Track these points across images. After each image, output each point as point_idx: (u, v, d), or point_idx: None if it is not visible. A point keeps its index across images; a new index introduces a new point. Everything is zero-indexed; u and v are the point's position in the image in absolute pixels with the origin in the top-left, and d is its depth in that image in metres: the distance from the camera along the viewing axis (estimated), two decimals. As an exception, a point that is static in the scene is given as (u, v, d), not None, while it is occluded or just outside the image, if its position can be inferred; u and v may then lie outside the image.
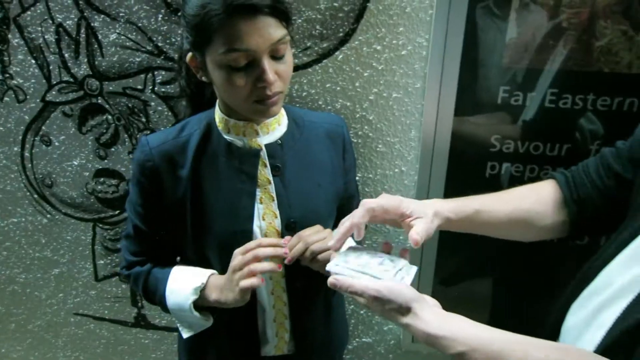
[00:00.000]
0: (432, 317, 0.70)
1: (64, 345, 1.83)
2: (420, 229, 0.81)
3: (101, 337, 1.78)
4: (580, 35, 1.10)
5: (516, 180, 1.26)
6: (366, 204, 0.84)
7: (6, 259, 1.72)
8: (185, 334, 1.08)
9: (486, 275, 1.45)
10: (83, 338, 1.79)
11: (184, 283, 1.03)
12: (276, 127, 1.03)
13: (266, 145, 1.02)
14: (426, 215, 0.84)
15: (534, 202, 0.89)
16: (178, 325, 1.09)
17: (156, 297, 1.07)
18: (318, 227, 1.01)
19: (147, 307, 1.67)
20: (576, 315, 0.77)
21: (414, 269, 0.82)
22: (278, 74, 0.90)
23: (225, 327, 1.09)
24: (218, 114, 1.02)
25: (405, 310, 0.70)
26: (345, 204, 1.16)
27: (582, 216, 0.86)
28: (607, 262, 0.74)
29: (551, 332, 0.82)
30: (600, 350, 0.66)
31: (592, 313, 0.72)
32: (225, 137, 1.01)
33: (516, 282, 1.41)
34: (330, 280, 0.78)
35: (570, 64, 1.13)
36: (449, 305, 1.43)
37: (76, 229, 1.61)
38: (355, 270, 0.78)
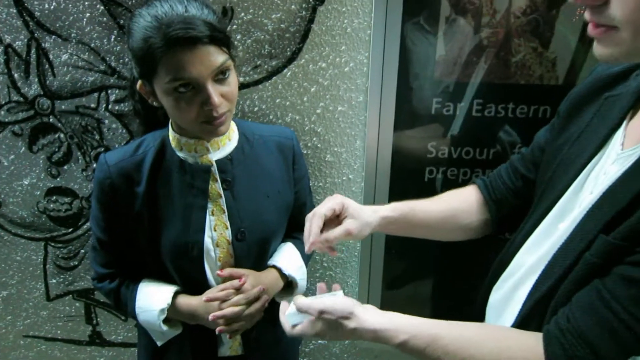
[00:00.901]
0: (373, 315, 0.79)
1: (13, 370, 1.79)
2: (353, 225, 0.93)
3: (53, 358, 1.74)
4: (498, 52, 1.25)
5: (451, 183, 1.39)
6: (318, 213, 0.94)
7: (-50, 284, 1.67)
8: (159, 342, 1.15)
9: (428, 277, 1.57)
10: (34, 361, 1.76)
11: (150, 303, 1.10)
12: (227, 142, 1.09)
13: (217, 161, 1.08)
14: (360, 217, 0.95)
15: (460, 202, 1.03)
16: (152, 335, 1.15)
17: (128, 314, 1.15)
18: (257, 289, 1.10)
19: (103, 324, 1.67)
20: (496, 295, 0.89)
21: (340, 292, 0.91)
22: (223, 95, 0.97)
23: (187, 333, 1.16)
24: (171, 133, 1.08)
25: (349, 315, 0.78)
26: (298, 213, 1.25)
27: (501, 214, 0.99)
28: (517, 249, 0.86)
29: (479, 311, 0.94)
30: (518, 321, 0.76)
31: (510, 292, 0.84)
32: (178, 154, 1.08)
33: (454, 280, 1.54)
34: (281, 318, 0.87)
35: (492, 77, 1.28)
36: (396, 307, 1.54)
37: (26, 249, 1.60)
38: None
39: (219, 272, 1.09)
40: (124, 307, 1.15)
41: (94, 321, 1.67)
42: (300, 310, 0.83)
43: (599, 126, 0.78)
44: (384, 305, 1.53)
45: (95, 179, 1.08)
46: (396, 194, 1.41)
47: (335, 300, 0.80)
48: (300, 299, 0.85)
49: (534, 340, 0.69)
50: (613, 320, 0.61)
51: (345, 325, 0.78)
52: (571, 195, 0.77)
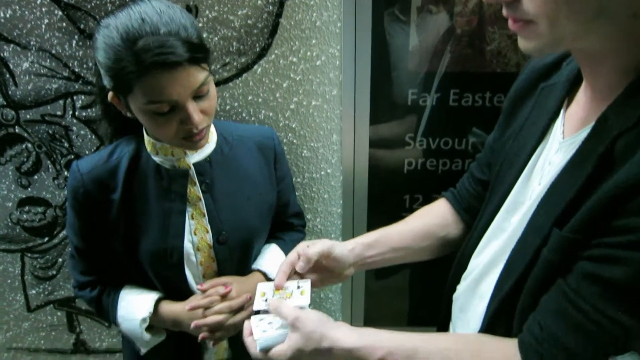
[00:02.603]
0: (346, 334, 0.76)
1: (-1, 383, 1.77)
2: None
3: (39, 368, 1.73)
4: (473, 40, 1.22)
5: (431, 174, 1.37)
6: (306, 253, 0.92)
7: None
8: (144, 350, 1.13)
9: (410, 267, 1.56)
10: (19, 372, 1.74)
11: (131, 312, 1.08)
12: (205, 145, 1.06)
13: (195, 164, 1.05)
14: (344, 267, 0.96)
15: (432, 216, 1.03)
16: (135, 343, 1.13)
17: (110, 322, 1.13)
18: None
19: (86, 331, 1.65)
20: (459, 291, 0.89)
21: (306, 294, 0.89)
22: (203, 111, 0.93)
23: (171, 339, 1.14)
24: (146, 137, 1.05)
25: (320, 336, 0.76)
26: (281, 212, 1.22)
27: (471, 221, 0.97)
28: (475, 246, 0.86)
29: (445, 309, 0.95)
30: (486, 320, 0.76)
31: (471, 288, 0.84)
32: (154, 159, 1.04)
33: (439, 270, 1.53)
34: (252, 352, 0.83)
35: (467, 66, 1.25)
36: (380, 298, 1.53)
37: (3, 261, 1.56)
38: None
39: (198, 286, 1.07)
40: (106, 315, 1.13)
41: (77, 329, 1.65)
42: (274, 311, 0.80)
43: (538, 117, 0.78)
44: (368, 297, 1.54)
45: (68, 188, 1.05)
46: (376, 186, 1.39)
47: (308, 313, 0.78)
48: (278, 302, 0.82)
49: (512, 350, 0.68)
50: (585, 322, 0.60)
51: (319, 343, 0.75)
52: (520, 188, 0.77)
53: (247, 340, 0.83)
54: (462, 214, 1.01)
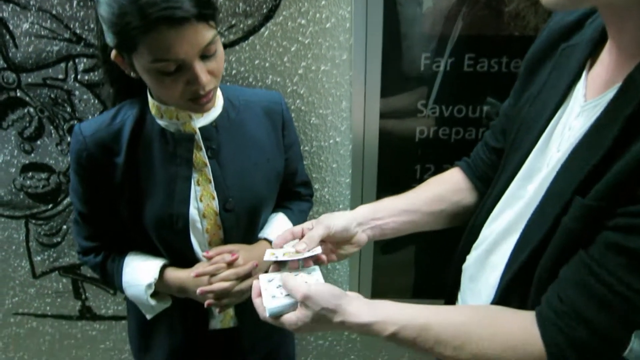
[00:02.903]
0: (359, 307, 0.73)
1: (5, 347, 1.77)
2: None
3: (45, 333, 1.73)
4: (489, 2, 1.16)
5: (444, 143, 1.33)
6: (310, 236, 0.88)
7: None
8: (149, 316, 1.12)
9: (421, 240, 1.52)
10: (26, 337, 1.74)
11: (137, 279, 1.06)
12: (211, 108, 1.02)
13: (201, 129, 1.02)
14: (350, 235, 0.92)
15: (445, 183, 0.99)
16: (141, 308, 1.12)
17: (115, 287, 1.12)
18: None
19: (92, 298, 1.65)
20: (470, 261, 0.86)
21: (316, 270, 0.86)
22: (210, 72, 0.90)
23: (177, 306, 1.13)
24: (150, 100, 1.01)
25: (335, 309, 0.73)
26: (288, 181, 1.19)
27: (486, 190, 0.93)
28: (487, 215, 0.83)
29: (453, 279, 0.92)
30: (500, 291, 0.73)
31: (482, 258, 0.81)
32: (159, 122, 1.01)
33: (448, 243, 1.50)
34: (263, 316, 0.79)
35: (484, 29, 1.19)
36: (388, 271, 1.50)
37: (7, 228, 1.55)
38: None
39: (204, 254, 1.05)
40: (111, 281, 1.12)
41: (83, 296, 1.65)
42: (285, 287, 0.77)
43: (558, 79, 0.74)
44: (376, 270, 1.51)
45: (71, 151, 1.02)
46: (386, 156, 1.35)
47: (319, 289, 0.74)
48: (288, 277, 0.79)
49: (529, 323, 0.65)
50: (608, 295, 0.57)
51: (331, 318, 0.73)
52: (537, 155, 0.74)
53: (256, 301, 0.81)
54: (476, 183, 0.97)
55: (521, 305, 0.69)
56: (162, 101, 0.99)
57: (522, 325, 0.65)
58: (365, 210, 0.95)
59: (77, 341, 1.74)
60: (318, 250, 0.86)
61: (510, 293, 0.72)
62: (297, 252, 0.84)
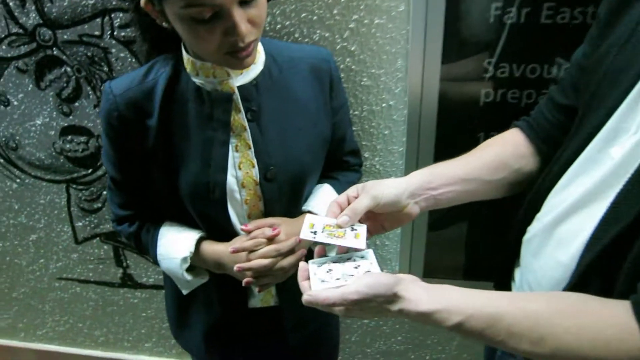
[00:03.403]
0: (419, 294, 0.65)
1: (51, 310, 1.78)
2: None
3: (88, 299, 1.73)
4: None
5: (513, 108, 1.17)
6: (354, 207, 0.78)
7: (-20, 229, 1.64)
8: (185, 291, 1.06)
9: (474, 215, 1.39)
10: (70, 302, 1.74)
11: (172, 252, 0.99)
12: (251, 66, 0.92)
13: (239, 88, 0.92)
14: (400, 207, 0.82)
15: (504, 146, 0.88)
16: (177, 283, 1.05)
17: (150, 258, 1.05)
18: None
19: (133, 266, 1.61)
20: (532, 232, 0.77)
21: (369, 254, 0.76)
22: (250, 21, 0.80)
23: (215, 281, 1.05)
24: (185, 55, 0.92)
25: (392, 298, 0.64)
26: (336, 148, 1.08)
27: (551, 153, 0.83)
28: (554, 182, 0.74)
29: (512, 252, 0.83)
30: (577, 273, 0.65)
31: (547, 230, 0.72)
32: (194, 80, 0.92)
33: (500, 218, 1.36)
34: (305, 298, 0.70)
35: (569, -29, 1.02)
36: (441, 247, 1.37)
37: (49, 192, 1.52)
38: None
39: (242, 227, 0.96)
40: (145, 252, 1.06)
41: (124, 264, 1.61)
42: (327, 304, 0.67)
43: None
44: (428, 247, 1.39)
45: (101, 112, 0.94)
46: (445, 121, 1.21)
47: (370, 284, 0.65)
48: (326, 294, 0.68)
49: (624, 314, 0.55)
50: None
51: (388, 309, 0.64)
52: (625, 112, 0.64)
53: (303, 284, 0.72)
54: (539, 146, 0.85)
55: (603, 291, 0.60)
56: (197, 56, 0.90)
57: (615, 318, 0.56)
58: (420, 179, 0.83)
59: (119, 308, 1.73)
60: (363, 228, 0.77)
61: (590, 275, 0.63)
62: (339, 226, 0.76)
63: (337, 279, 0.70)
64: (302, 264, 0.75)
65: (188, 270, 0.99)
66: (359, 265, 0.72)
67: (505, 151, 0.86)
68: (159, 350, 1.82)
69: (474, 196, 0.86)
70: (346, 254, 0.77)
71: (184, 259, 0.98)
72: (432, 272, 1.44)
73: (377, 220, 0.84)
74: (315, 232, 0.76)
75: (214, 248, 0.99)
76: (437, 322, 0.63)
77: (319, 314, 1.14)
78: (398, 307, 0.64)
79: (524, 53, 1.12)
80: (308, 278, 0.72)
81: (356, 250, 0.76)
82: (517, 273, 0.83)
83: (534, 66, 1.12)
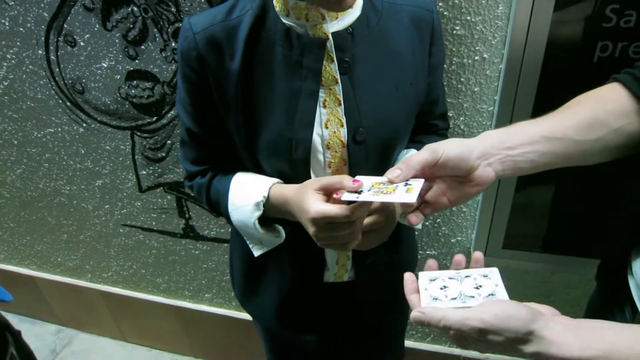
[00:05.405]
0: (563, 335, 0.54)
1: (116, 255, 1.80)
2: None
3: (151, 247, 1.72)
4: None
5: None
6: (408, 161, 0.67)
7: (49, 171, 1.65)
8: (257, 252, 0.95)
9: (553, 182, 1.24)
10: (134, 248, 1.75)
11: (244, 197, 0.87)
12: (348, 8, 0.80)
13: (334, 34, 0.80)
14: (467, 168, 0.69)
15: (601, 102, 0.72)
16: (248, 242, 0.95)
17: (221, 211, 0.94)
18: None
19: (195, 218, 1.58)
20: None
21: (494, 272, 0.64)
22: None
23: (288, 251, 0.97)
24: None
25: (527, 336, 0.54)
26: (427, 111, 0.95)
27: None
28: None
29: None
30: None
31: None
32: (284, 20, 0.80)
33: (581, 186, 1.21)
34: (415, 315, 0.60)
35: None
36: (526, 213, 1.22)
37: (114, 138, 1.49)
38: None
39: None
40: (216, 204, 0.94)
41: (187, 215, 1.58)
42: (443, 325, 0.57)
43: None
44: (513, 211, 1.26)
45: (179, 50, 0.84)
46: (550, 79, 1.05)
47: (500, 315, 0.54)
48: (443, 314, 0.58)
49: None
50: None
51: (520, 349, 0.54)
52: None
53: (411, 298, 0.63)
54: None
55: None
56: None
57: None
58: (494, 137, 0.71)
59: (181, 258, 1.72)
60: (418, 182, 0.65)
61: None
62: (390, 182, 0.64)
63: (453, 298, 0.60)
64: (409, 275, 0.65)
65: (261, 224, 0.88)
66: (480, 286, 0.62)
67: (603, 107, 0.71)
68: (219, 302, 1.81)
69: (564, 160, 0.72)
70: (464, 270, 0.67)
71: (257, 204, 0.86)
72: (511, 244, 1.32)
73: (440, 190, 0.72)
74: (360, 192, 0.65)
75: (291, 188, 0.83)
76: None
77: (397, 295, 1.05)
78: (534, 350, 0.54)
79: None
80: (417, 291, 0.63)
81: (405, 205, 0.65)
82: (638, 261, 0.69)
83: (668, 16, 0.94)
